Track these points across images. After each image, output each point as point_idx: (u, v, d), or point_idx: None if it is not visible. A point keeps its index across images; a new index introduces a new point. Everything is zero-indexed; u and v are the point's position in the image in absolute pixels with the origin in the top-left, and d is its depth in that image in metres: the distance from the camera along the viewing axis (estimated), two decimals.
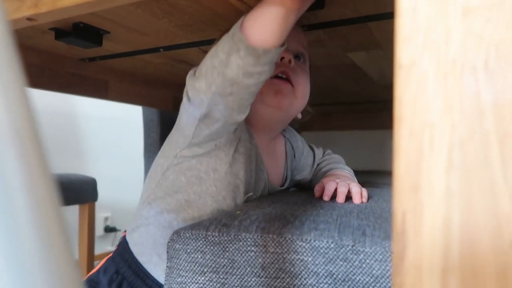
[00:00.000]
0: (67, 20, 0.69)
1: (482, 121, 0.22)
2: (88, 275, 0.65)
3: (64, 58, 0.95)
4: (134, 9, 0.65)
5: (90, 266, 1.37)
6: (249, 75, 0.47)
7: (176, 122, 0.62)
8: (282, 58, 0.64)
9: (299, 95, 0.66)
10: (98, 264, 0.67)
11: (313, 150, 0.81)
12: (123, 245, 0.65)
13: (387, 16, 0.65)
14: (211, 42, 0.78)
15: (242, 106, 0.52)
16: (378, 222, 0.38)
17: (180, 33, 0.76)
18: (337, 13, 0.66)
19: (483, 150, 0.22)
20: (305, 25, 0.72)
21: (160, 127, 1.35)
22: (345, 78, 1.15)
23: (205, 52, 0.76)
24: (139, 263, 0.61)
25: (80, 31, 0.74)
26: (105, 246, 2.06)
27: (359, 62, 0.95)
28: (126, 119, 2.01)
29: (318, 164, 0.79)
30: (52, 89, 0.93)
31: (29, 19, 0.47)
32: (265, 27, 0.45)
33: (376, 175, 1.13)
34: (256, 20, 0.45)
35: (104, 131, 2.01)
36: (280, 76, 0.64)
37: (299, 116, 0.74)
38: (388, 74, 1.07)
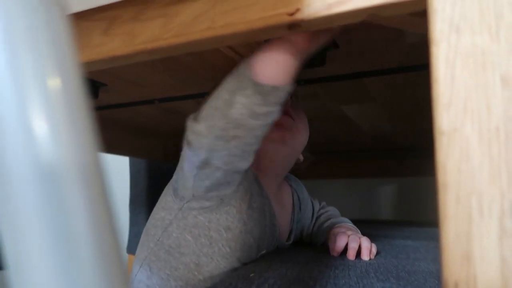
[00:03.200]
0: None
1: None
2: None
3: None
4: (135, 63, 0.65)
5: None
6: (255, 116, 0.43)
7: (177, 170, 0.57)
8: None
9: (301, 128, 0.66)
10: None
11: (312, 202, 0.80)
12: None
13: (383, 72, 0.68)
14: (207, 94, 0.78)
15: (246, 152, 0.48)
16: (401, 284, 0.37)
17: (178, 86, 0.76)
18: (336, 70, 0.68)
19: None
20: (302, 80, 0.74)
21: (148, 177, 1.32)
22: (335, 128, 1.17)
23: (200, 104, 0.77)
24: None
25: None
26: None
27: (351, 114, 0.97)
28: (111, 169, 1.96)
29: (317, 218, 0.77)
30: None
31: None
32: (274, 66, 0.43)
33: (368, 226, 1.12)
34: (264, 59, 0.43)
35: None
36: None
37: (301, 157, 0.73)
38: (377, 124, 1.09)
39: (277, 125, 0.61)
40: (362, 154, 1.53)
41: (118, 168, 1.78)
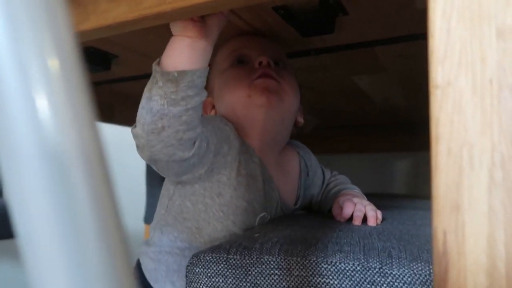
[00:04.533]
0: (79, 44, 0.70)
1: None
2: None
3: None
4: (145, 34, 0.66)
5: None
6: (174, 103, 0.46)
7: None
8: (260, 62, 0.63)
9: (288, 89, 0.65)
10: None
11: (323, 170, 0.81)
12: (138, 269, 0.64)
13: (395, 40, 0.67)
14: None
15: (182, 140, 0.49)
16: (401, 244, 0.38)
17: None
18: (346, 38, 0.67)
19: None
20: (312, 49, 0.73)
21: None
22: (347, 101, 1.16)
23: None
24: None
25: (90, 56, 0.74)
26: None
27: (363, 85, 0.97)
28: (128, 143, 2.00)
29: (326, 185, 0.78)
30: None
31: None
32: (175, 55, 0.47)
33: (381, 198, 1.13)
34: (167, 51, 0.48)
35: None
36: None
37: (299, 119, 0.73)
38: (390, 97, 1.08)
39: (262, 90, 0.62)
40: (375, 128, 1.52)
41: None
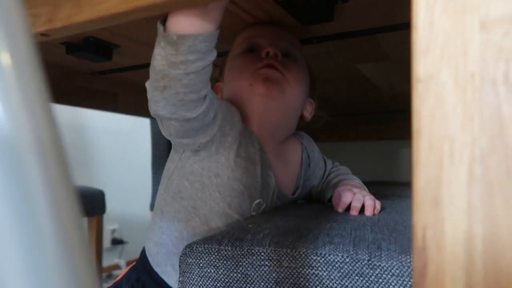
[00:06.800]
0: (78, 34, 0.70)
1: (503, 134, 0.22)
2: (112, 283, 0.66)
3: (74, 72, 0.96)
4: (144, 23, 0.66)
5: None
6: (173, 65, 0.46)
7: None
8: (267, 53, 0.63)
9: (292, 82, 0.64)
10: (122, 272, 0.69)
11: (325, 161, 0.81)
12: (143, 254, 0.66)
13: (396, 27, 0.66)
14: (219, 54, 0.78)
15: (184, 101, 0.49)
16: (393, 236, 0.38)
17: None
18: (346, 25, 0.66)
19: (505, 163, 0.22)
20: (314, 37, 0.73)
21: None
22: (353, 89, 1.15)
23: (214, 65, 0.77)
24: (156, 273, 0.62)
25: (91, 46, 0.75)
26: (112, 259, 2.05)
27: (368, 73, 0.95)
28: (134, 132, 2.02)
29: (327, 175, 0.78)
30: (62, 103, 0.94)
31: (43, 34, 0.47)
32: (178, 16, 0.45)
33: (384, 186, 1.12)
34: (172, 12, 0.45)
35: (112, 143, 2.02)
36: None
37: (306, 114, 0.73)
38: (396, 84, 1.07)
39: (264, 80, 0.62)
40: (382, 116, 1.50)
41: (141, 130, 1.83)
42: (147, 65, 0.91)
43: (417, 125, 0.24)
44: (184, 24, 0.44)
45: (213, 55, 0.49)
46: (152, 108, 0.52)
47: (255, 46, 0.66)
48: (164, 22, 0.46)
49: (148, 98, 0.52)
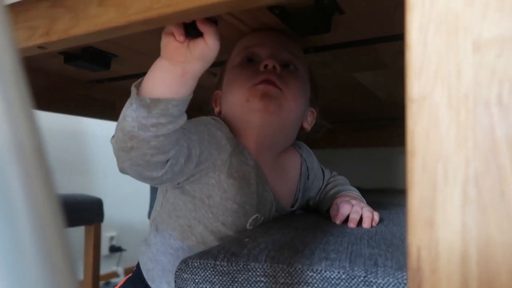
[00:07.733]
0: None
1: (497, 155, 0.22)
2: None
3: (73, 81, 0.96)
4: (142, 33, 0.65)
5: (95, 287, 1.36)
6: (144, 128, 0.45)
7: None
8: (266, 66, 0.62)
9: (290, 97, 0.63)
10: (118, 284, 0.68)
11: (323, 172, 0.80)
12: (139, 267, 0.65)
13: (394, 38, 0.66)
14: (217, 64, 0.78)
15: (150, 162, 0.48)
16: (389, 251, 0.38)
17: None
18: (344, 36, 0.67)
19: (499, 184, 0.22)
20: (311, 47, 0.73)
21: None
22: (351, 98, 1.15)
23: (211, 73, 0.77)
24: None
25: (89, 55, 0.75)
26: (110, 266, 2.04)
27: (365, 82, 0.96)
28: None
29: (325, 186, 0.78)
30: (60, 111, 0.94)
31: (40, 47, 0.47)
32: (153, 79, 0.46)
33: (383, 194, 1.12)
34: (148, 73, 0.47)
35: (111, 151, 2.01)
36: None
37: (306, 125, 0.72)
38: (394, 92, 1.07)
39: (261, 96, 0.61)
40: (380, 123, 1.51)
41: None
42: (145, 74, 0.92)
43: (411, 145, 0.24)
44: (160, 85, 0.45)
45: (184, 119, 0.48)
46: (118, 165, 0.51)
47: (254, 56, 0.65)
48: (137, 85, 0.47)
49: (114, 155, 0.51)
